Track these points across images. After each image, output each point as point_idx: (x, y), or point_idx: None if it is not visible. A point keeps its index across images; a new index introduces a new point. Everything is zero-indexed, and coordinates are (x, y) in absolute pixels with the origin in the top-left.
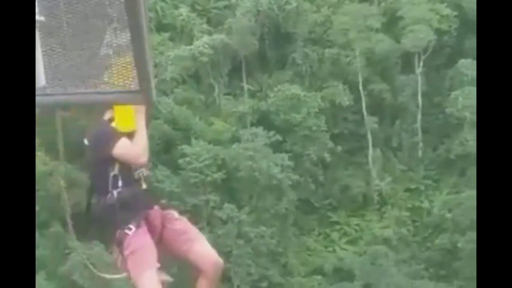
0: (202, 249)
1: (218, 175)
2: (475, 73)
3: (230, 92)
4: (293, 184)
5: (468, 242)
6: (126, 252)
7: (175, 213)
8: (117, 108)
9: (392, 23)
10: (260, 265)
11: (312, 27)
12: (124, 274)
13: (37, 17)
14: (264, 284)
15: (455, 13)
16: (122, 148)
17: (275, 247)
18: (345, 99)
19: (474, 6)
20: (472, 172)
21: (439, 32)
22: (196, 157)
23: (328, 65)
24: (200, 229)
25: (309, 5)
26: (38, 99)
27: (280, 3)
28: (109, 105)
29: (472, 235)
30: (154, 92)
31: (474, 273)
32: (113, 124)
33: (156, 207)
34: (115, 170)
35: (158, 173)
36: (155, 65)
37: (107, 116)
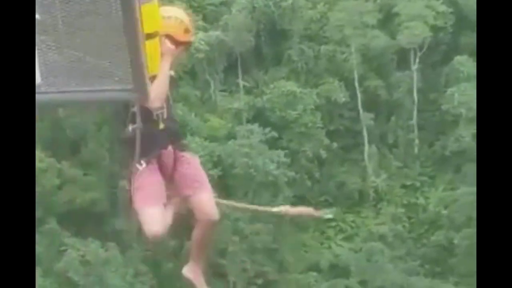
0: (201, 200)
1: (214, 172)
2: (470, 69)
3: (226, 89)
4: (289, 181)
5: (463, 239)
6: (133, 187)
7: (189, 157)
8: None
9: (387, 20)
10: (256, 262)
11: (308, 24)
12: None
13: None
14: (260, 280)
15: (451, 9)
16: None
17: (271, 244)
18: (341, 96)
19: (470, 3)
20: (468, 168)
21: (434, 28)
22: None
23: (324, 61)
24: None
25: (304, 2)
26: None
27: (276, 0)
28: (103, 104)
29: (468, 231)
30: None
31: (469, 270)
32: None
33: (170, 148)
34: (135, 107)
35: None
36: None
37: None
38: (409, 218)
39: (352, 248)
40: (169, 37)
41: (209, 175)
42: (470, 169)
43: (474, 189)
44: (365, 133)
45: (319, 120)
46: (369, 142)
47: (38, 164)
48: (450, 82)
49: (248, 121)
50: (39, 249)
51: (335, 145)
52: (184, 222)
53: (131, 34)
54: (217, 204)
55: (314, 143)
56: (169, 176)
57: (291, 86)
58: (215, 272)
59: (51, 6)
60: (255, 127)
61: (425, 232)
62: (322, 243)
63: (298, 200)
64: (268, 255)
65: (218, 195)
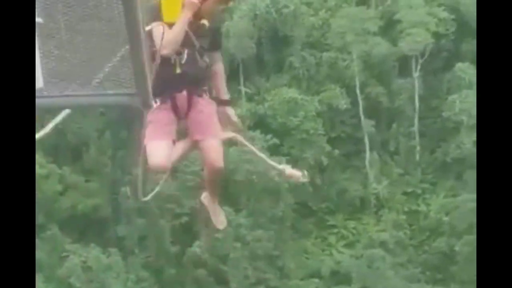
0: (208, 146)
1: None
2: (472, 76)
3: None
4: (290, 188)
5: (465, 246)
6: (146, 121)
7: (203, 104)
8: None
9: (389, 27)
10: (257, 268)
11: (310, 31)
12: None
13: (35, 19)
14: (261, 287)
15: (453, 16)
16: (154, 30)
17: (272, 250)
18: (343, 103)
19: (471, 9)
20: (469, 175)
21: (436, 35)
22: (193, 160)
23: (326, 68)
24: (198, 232)
25: (306, 9)
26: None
27: (278, 7)
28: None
29: (469, 238)
30: (151, 95)
31: (470, 277)
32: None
33: (184, 93)
34: (155, 47)
35: None
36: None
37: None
38: (410, 225)
39: (353, 254)
40: None
41: None
42: (471, 176)
43: (475, 196)
44: (366, 140)
45: (321, 127)
46: (371, 149)
47: (40, 170)
48: (451, 89)
49: (249, 128)
50: (41, 255)
51: (336, 151)
52: (185, 229)
53: (133, 38)
54: (239, 143)
55: (316, 150)
56: (183, 117)
57: (292, 93)
58: (217, 279)
59: (53, 10)
60: (257, 133)
61: (426, 239)
62: (323, 250)
63: (300, 206)
64: (269, 262)
65: (220, 201)
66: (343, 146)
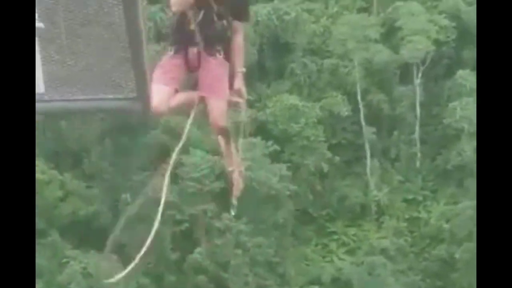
0: (212, 105)
1: (216, 185)
2: (473, 84)
3: None
4: (291, 194)
5: (465, 253)
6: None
7: (214, 64)
8: None
9: (390, 34)
10: (258, 275)
11: (311, 38)
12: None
13: (37, 24)
14: None
15: (454, 24)
16: None
17: (273, 257)
18: (344, 110)
19: (472, 17)
20: (470, 182)
21: (437, 43)
22: (194, 167)
23: (327, 75)
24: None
25: (307, 16)
26: (36, 105)
27: (279, 14)
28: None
29: (470, 245)
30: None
31: (471, 284)
32: None
33: (196, 48)
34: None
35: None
36: None
37: None
38: (411, 232)
39: (354, 261)
40: None
41: (211, 188)
42: (472, 183)
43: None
44: (367, 147)
45: (322, 134)
46: (371, 156)
47: (40, 176)
48: (452, 96)
49: (250, 134)
50: (41, 261)
51: (337, 158)
52: (186, 235)
53: (134, 43)
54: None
55: (316, 157)
56: (194, 71)
57: (293, 99)
58: (217, 285)
59: (54, 15)
60: (258, 140)
61: (427, 246)
62: (324, 257)
63: (300, 213)
64: (270, 269)
65: (220, 208)
66: (344, 153)
